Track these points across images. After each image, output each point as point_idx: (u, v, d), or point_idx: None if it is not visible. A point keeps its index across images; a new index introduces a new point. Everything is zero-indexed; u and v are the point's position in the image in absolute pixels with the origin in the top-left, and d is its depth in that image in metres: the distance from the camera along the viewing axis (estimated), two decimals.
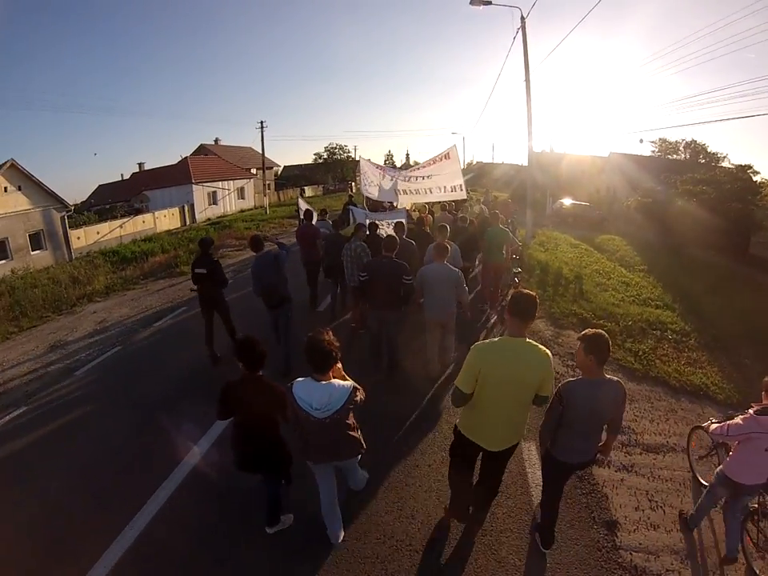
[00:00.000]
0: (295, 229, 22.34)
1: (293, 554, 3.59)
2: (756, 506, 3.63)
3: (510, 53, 18.56)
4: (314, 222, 9.43)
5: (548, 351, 3.08)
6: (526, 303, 3.03)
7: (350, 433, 3.31)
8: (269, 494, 3.72)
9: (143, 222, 27.55)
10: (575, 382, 3.17)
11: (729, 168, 22.00)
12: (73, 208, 23.43)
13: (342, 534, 3.67)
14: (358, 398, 3.23)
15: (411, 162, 77.95)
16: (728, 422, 3.52)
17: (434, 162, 10.55)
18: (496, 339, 3.18)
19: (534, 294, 3.12)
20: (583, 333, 3.14)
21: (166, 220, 29.86)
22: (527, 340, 3.08)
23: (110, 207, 32.21)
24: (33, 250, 20.04)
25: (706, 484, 4.14)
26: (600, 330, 3.11)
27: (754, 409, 3.37)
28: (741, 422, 3.37)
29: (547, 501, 3.66)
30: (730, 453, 3.62)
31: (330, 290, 8.62)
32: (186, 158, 37.20)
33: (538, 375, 3.01)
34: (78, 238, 22.84)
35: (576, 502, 4.18)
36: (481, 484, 3.63)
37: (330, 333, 3.21)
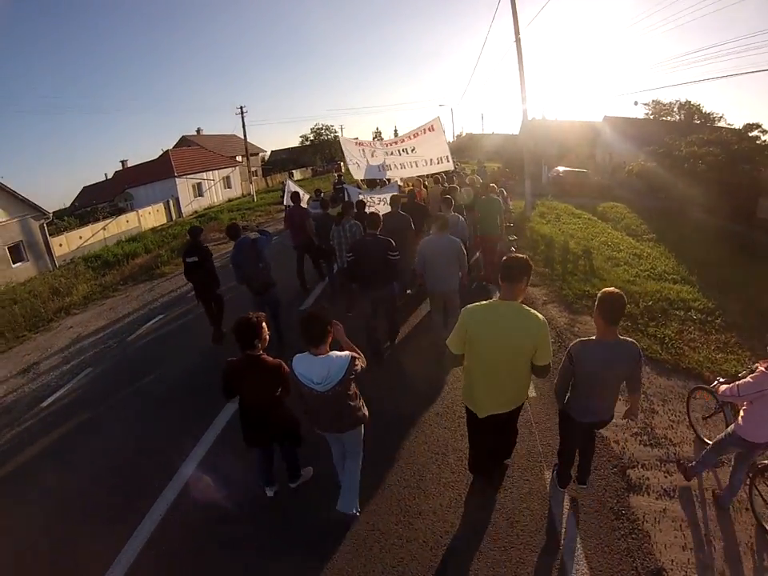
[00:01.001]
0: (282, 215, 21.96)
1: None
2: (766, 462, 3.55)
3: (496, 16, 17.42)
4: (303, 204, 9.26)
5: (542, 317, 3.06)
6: (513, 266, 3.06)
7: (352, 403, 3.33)
8: (284, 454, 3.89)
9: (127, 221, 26.53)
10: (585, 342, 3.18)
11: (735, 128, 20.77)
12: (51, 215, 22.42)
13: (356, 505, 3.62)
14: (358, 367, 3.24)
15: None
16: (737, 382, 3.43)
17: (418, 135, 10.20)
18: (486, 302, 3.21)
19: (524, 256, 3.15)
20: (600, 292, 3.11)
21: (151, 217, 28.84)
22: (520, 304, 3.08)
23: (91, 210, 31.17)
24: (14, 263, 19.06)
25: (710, 443, 4.01)
26: (613, 289, 3.09)
27: (765, 365, 3.27)
28: (751, 380, 3.29)
29: (563, 451, 3.72)
30: (741, 412, 3.52)
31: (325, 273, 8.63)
32: (167, 151, 35.99)
33: (528, 341, 3.00)
34: (60, 244, 21.83)
35: (615, 549, 3.42)
36: (493, 442, 3.65)
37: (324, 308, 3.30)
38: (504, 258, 3.26)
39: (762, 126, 19.38)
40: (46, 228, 20.77)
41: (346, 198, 9.91)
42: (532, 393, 4.91)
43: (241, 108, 33.29)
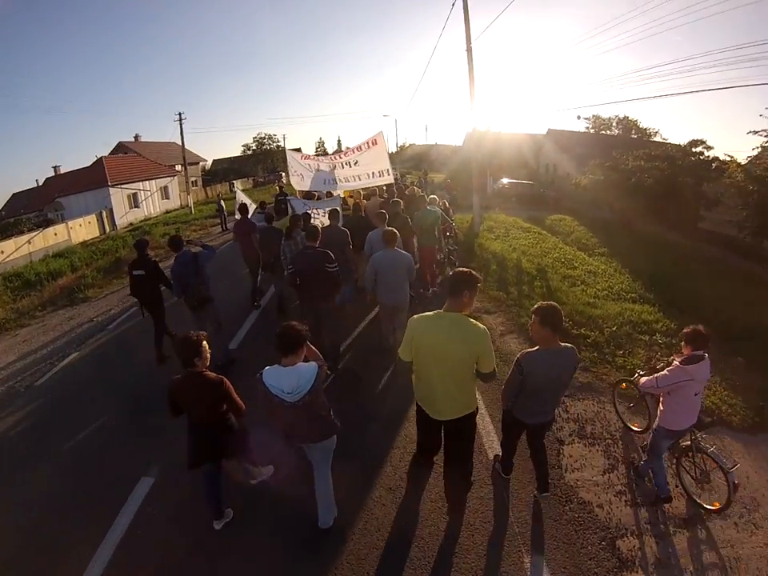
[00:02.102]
0: (218, 231, 20.52)
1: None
2: (688, 442, 3.93)
3: (446, 26, 16.84)
4: (249, 216, 9.07)
5: (484, 327, 3.15)
6: (455, 280, 3.22)
7: (323, 413, 3.39)
8: (210, 486, 3.75)
9: (55, 234, 24.29)
10: (535, 353, 3.32)
11: (678, 144, 21.25)
12: None
13: (332, 519, 3.67)
14: (323, 374, 3.31)
15: (342, 149, 76.72)
16: (655, 375, 3.78)
17: (361, 150, 10.49)
18: (432, 312, 3.29)
19: (467, 270, 3.27)
20: (536, 306, 3.32)
21: (81, 230, 26.61)
22: (462, 315, 3.20)
23: (14, 221, 28.40)
24: None
25: (636, 429, 4.85)
26: (552, 303, 3.35)
27: (679, 359, 3.64)
28: (668, 373, 3.65)
29: (507, 444, 3.98)
30: (660, 401, 3.87)
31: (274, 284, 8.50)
32: (101, 158, 33.69)
33: (469, 349, 3.09)
34: None
35: None
36: (446, 455, 3.68)
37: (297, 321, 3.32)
38: (453, 272, 3.37)
39: (706, 143, 19.85)
40: None
41: (290, 210, 9.96)
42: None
43: (179, 114, 31.28)
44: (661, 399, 3.81)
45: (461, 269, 3.29)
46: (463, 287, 3.16)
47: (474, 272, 3.22)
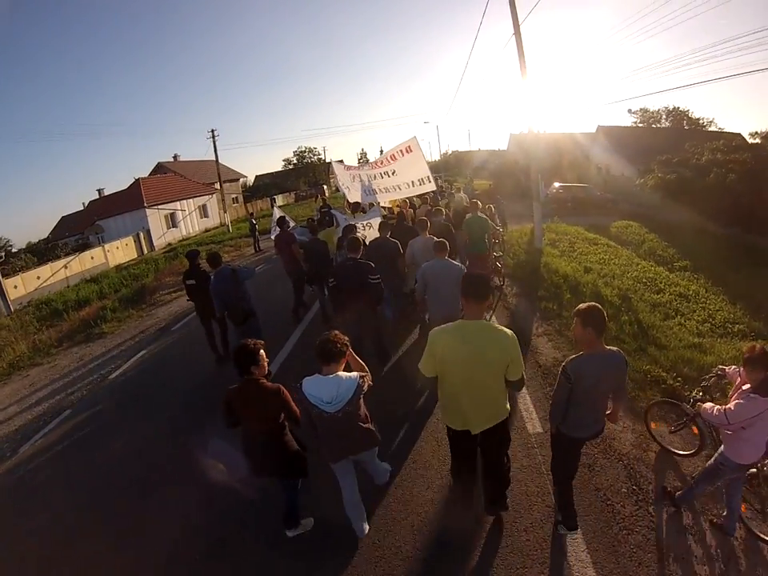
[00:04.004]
0: (251, 252, 19.85)
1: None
2: (755, 470, 3.47)
3: (483, 23, 15.54)
4: (289, 229, 9.30)
5: (511, 332, 3.06)
6: (480, 283, 3.14)
7: (364, 425, 3.31)
8: (286, 497, 3.69)
9: (92, 258, 24.06)
10: (580, 359, 3.10)
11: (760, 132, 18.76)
12: (4, 253, 20.08)
13: (367, 527, 3.66)
14: (365, 386, 3.24)
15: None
16: (723, 408, 3.20)
17: (396, 158, 9.99)
18: (452, 324, 3.18)
19: (484, 273, 3.53)
20: (577, 308, 3.13)
21: (119, 252, 26.38)
22: (486, 321, 3.21)
23: (51, 246, 28.64)
24: None
25: (682, 453, 4.26)
26: (593, 303, 3.12)
27: (752, 390, 3.07)
28: (742, 408, 3.06)
29: (562, 480, 3.54)
30: (723, 432, 3.40)
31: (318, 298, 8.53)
32: (138, 179, 33.60)
33: (499, 356, 3.00)
34: (16, 286, 19.45)
35: None
36: (486, 474, 3.58)
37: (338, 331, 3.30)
38: (464, 275, 3.37)
39: None
40: None
41: (335, 222, 9.92)
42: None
43: (212, 131, 30.76)
44: (728, 432, 3.29)
45: (477, 272, 3.29)
46: (489, 291, 3.22)
47: (486, 275, 3.27)
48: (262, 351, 3.45)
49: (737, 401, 3.14)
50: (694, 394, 3.99)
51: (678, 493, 3.74)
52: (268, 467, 3.53)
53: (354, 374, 3.23)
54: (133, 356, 9.00)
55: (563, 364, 3.15)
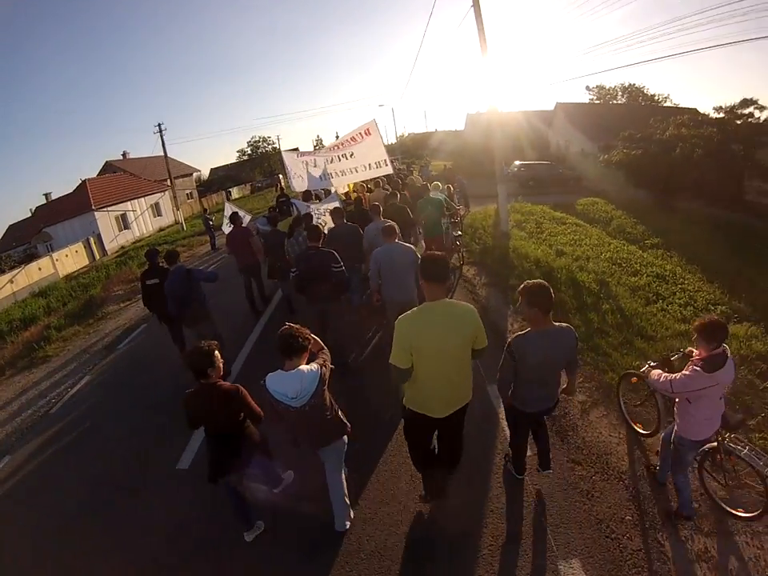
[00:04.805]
0: (206, 250, 18.57)
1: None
2: (714, 444, 3.39)
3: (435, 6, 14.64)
4: (245, 224, 9.17)
5: (469, 305, 3.09)
6: (440, 264, 3.04)
7: (330, 415, 3.32)
8: (233, 503, 3.64)
9: (39, 269, 22.26)
10: (525, 336, 3.12)
11: (725, 106, 18.43)
12: None
13: (348, 522, 3.62)
14: (327, 373, 3.23)
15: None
16: (671, 376, 3.19)
17: (356, 139, 10.03)
18: (416, 309, 3.11)
19: (439, 254, 3.09)
20: (522, 286, 3.10)
21: (69, 260, 24.60)
22: (448, 300, 3.07)
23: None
24: None
25: (644, 432, 4.27)
26: (539, 280, 3.08)
27: (699, 364, 3.01)
28: (686, 379, 3.06)
29: (515, 444, 3.77)
30: (675, 404, 3.34)
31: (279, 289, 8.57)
32: (84, 180, 31.61)
33: (469, 330, 2.99)
34: None
35: None
36: (443, 451, 3.61)
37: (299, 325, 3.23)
38: (422, 256, 3.28)
39: (759, 102, 17.12)
40: None
41: (294, 212, 9.77)
42: None
43: (159, 125, 29.10)
44: (677, 401, 3.31)
45: (435, 253, 3.13)
46: (448, 271, 3.16)
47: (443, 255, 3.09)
48: (216, 353, 3.36)
49: (684, 372, 3.12)
50: (651, 362, 3.83)
51: (676, 506, 3.56)
52: (231, 464, 3.45)
53: (315, 365, 3.18)
54: (78, 383, 7.94)
55: (509, 340, 3.17)
